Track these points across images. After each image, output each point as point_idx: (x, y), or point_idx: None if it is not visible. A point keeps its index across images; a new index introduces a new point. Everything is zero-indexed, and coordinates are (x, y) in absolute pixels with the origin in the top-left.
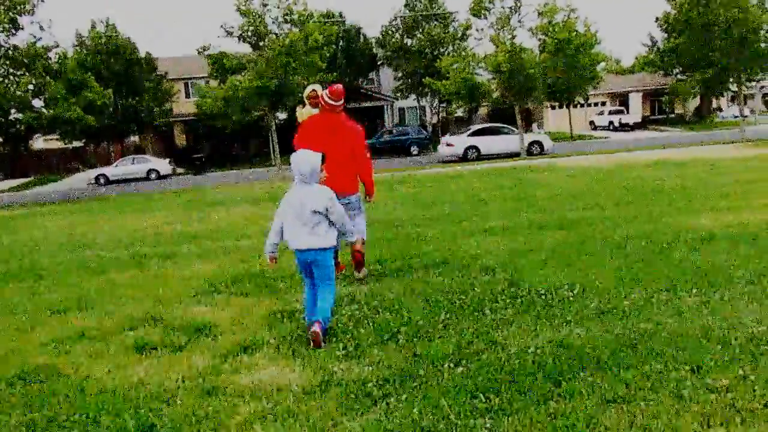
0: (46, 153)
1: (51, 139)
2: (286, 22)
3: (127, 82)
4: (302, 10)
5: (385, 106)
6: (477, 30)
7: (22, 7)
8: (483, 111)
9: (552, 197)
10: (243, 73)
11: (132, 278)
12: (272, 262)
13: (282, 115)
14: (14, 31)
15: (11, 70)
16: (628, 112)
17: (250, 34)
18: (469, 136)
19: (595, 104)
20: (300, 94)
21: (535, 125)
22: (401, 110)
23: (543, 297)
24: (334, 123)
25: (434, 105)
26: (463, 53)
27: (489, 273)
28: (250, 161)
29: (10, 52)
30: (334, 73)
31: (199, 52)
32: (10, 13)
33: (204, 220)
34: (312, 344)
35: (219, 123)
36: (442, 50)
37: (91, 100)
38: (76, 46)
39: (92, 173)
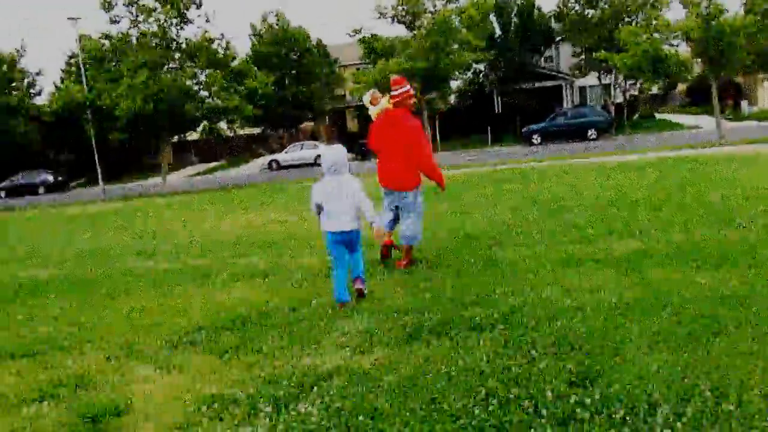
0: (236, 139)
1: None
2: None
3: (300, 70)
4: None
5: (564, 86)
6: None
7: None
8: (681, 88)
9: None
10: (394, 56)
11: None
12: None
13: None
14: (183, 25)
15: (188, 63)
16: None
17: (403, 13)
18: None
19: None
20: (452, 77)
21: (744, 103)
22: (582, 89)
23: None
24: (392, 120)
25: (619, 82)
26: (649, 21)
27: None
28: None
29: (182, 45)
30: (493, 51)
31: (350, 36)
32: (181, 4)
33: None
34: (357, 295)
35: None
36: (628, 21)
37: (253, 89)
38: (253, 35)
39: (267, 159)
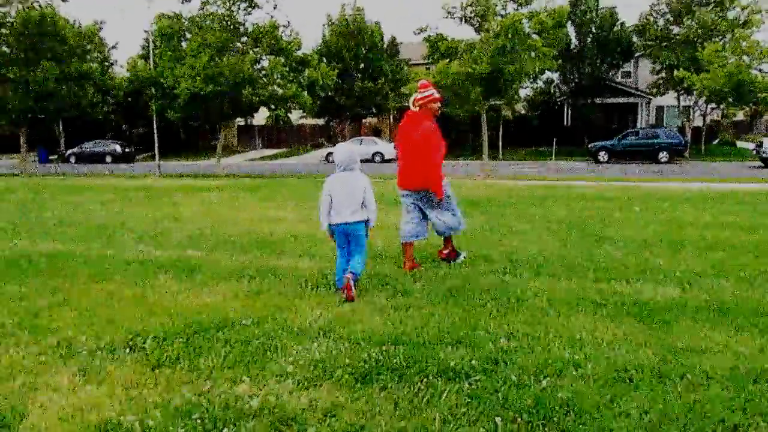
0: (300, 128)
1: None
2: (512, 1)
3: (368, 65)
4: None
5: (640, 104)
6: (765, 12)
7: None
8: None
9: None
10: (457, 57)
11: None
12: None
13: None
14: (250, 9)
15: (251, 48)
16: None
17: (471, 14)
18: None
19: None
20: (520, 85)
21: None
22: (659, 109)
23: None
24: (413, 122)
25: (700, 105)
26: (737, 42)
27: None
28: (472, 151)
29: (248, 30)
30: (566, 62)
31: (415, 34)
32: None
33: None
34: (344, 294)
35: (448, 110)
36: (715, 40)
37: (313, 80)
38: (328, 25)
39: (326, 151)
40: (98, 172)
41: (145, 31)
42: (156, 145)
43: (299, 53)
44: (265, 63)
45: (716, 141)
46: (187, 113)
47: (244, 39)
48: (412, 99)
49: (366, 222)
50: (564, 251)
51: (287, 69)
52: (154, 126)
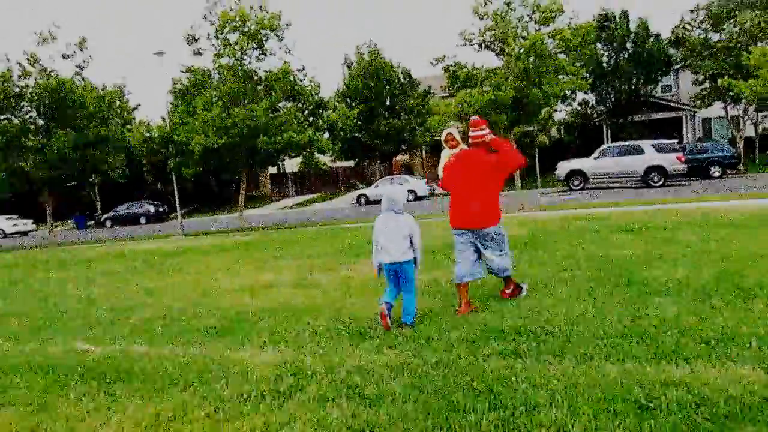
0: (333, 171)
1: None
2: (533, 21)
3: (392, 102)
4: (551, 4)
5: (684, 117)
6: None
7: (268, 32)
8: None
9: None
10: (479, 85)
11: None
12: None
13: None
14: (262, 56)
15: (265, 95)
16: None
17: (490, 39)
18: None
19: None
20: (553, 108)
21: None
22: (705, 121)
23: None
24: (472, 158)
25: (750, 113)
26: None
27: None
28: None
29: (261, 77)
30: (601, 83)
31: (432, 65)
32: (260, 35)
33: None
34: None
35: None
36: (760, 44)
37: (333, 122)
38: (346, 65)
39: (357, 193)
40: (121, 237)
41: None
42: (177, 202)
43: (317, 97)
44: (282, 109)
45: None
46: (204, 168)
47: (259, 87)
48: (447, 134)
49: (414, 261)
50: (595, 311)
51: (304, 113)
52: (174, 184)
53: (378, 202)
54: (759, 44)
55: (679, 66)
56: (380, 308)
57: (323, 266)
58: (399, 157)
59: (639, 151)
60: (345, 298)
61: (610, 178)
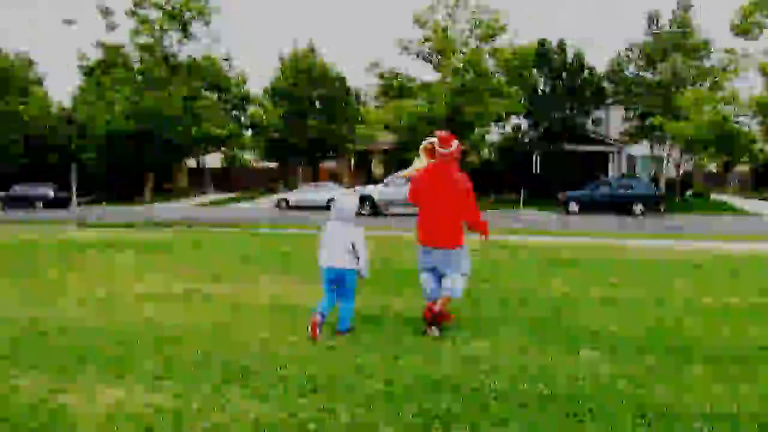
0: (256, 171)
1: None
2: (474, 36)
3: (324, 106)
4: (493, 21)
5: (612, 154)
6: (741, 57)
7: (194, 14)
8: (744, 167)
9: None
10: (413, 97)
11: None
12: None
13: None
14: (185, 40)
15: (185, 83)
16: None
17: (429, 50)
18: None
19: None
20: (484, 130)
21: None
22: (630, 158)
23: None
24: (440, 175)
25: (674, 155)
26: (716, 88)
27: None
28: None
29: (181, 63)
30: (535, 109)
31: (367, 70)
32: (184, 16)
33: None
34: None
35: (404, 155)
36: (690, 88)
37: (256, 119)
38: (280, 61)
39: (279, 196)
40: (15, 220)
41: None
42: (74, 188)
43: (242, 90)
44: (202, 99)
45: (689, 193)
46: (109, 153)
47: (178, 72)
48: (422, 146)
49: (355, 271)
50: (519, 368)
51: (226, 106)
52: (72, 168)
53: (300, 207)
54: (689, 87)
55: (611, 101)
56: (312, 318)
57: (221, 276)
58: (326, 164)
59: None
60: (236, 320)
61: (397, 205)
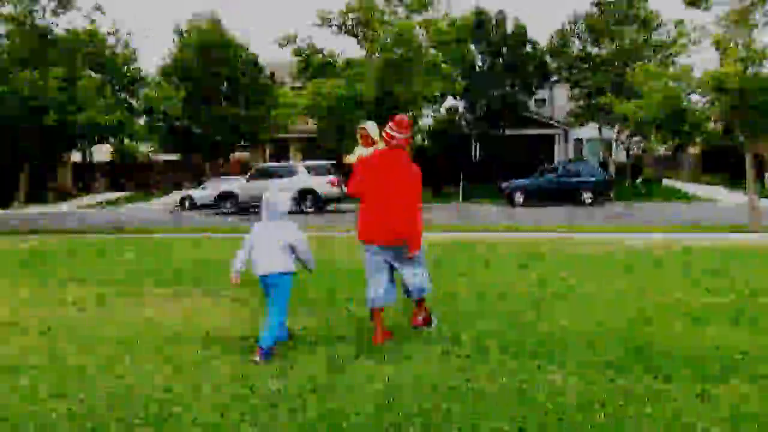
0: (155, 165)
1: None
2: (404, 6)
3: (233, 88)
4: None
5: (557, 136)
6: (692, 30)
7: None
8: (695, 150)
9: None
10: (336, 76)
11: None
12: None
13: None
14: (61, 12)
15: (63, 60)
16: None
17: (353, 22)
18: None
19: None
20: (416, 113)
21: None
22: (578, 142)
23: None
24: (392, 160)
25: (624, 138)
26: (669, 63)
27: None
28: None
29: (57, 37)
30: (473, 88)
31: (281, 46)
32: None
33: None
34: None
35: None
36: (641, 62)
37: (152, 103)
38: (178, 35)
39: (181, 195)
40: None
41: None
42: None
43: (132, 69)
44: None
45: (640, 179)
46: None
47: (54, 49)
48: (360, 128)
49: (290, 273)
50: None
51: (113, 89)
52: None
53: (206, 206)
54: (638, 63)
55: (555, 79)
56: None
57: (103, 297)
58: (237, 154)
59: (292, 172)
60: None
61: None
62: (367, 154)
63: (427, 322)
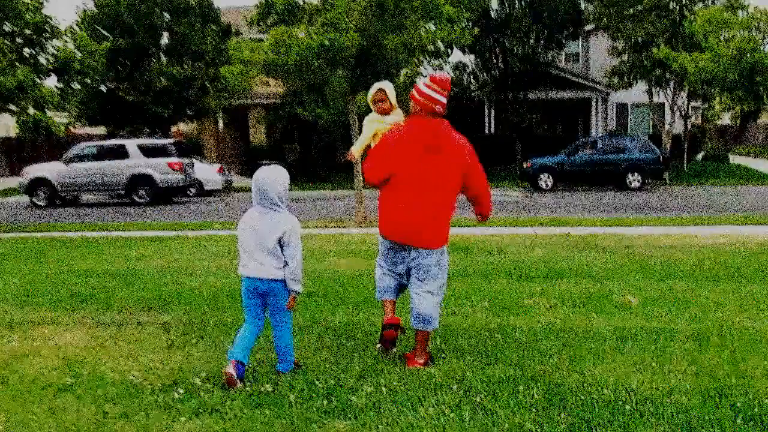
0: (74, 140)
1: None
2: None
3: (174, 42)
4: None
5: (594, 100)
6: None
7: None
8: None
9: None
10: (307, 22)
11: None
12: None
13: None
14: None
15: None
16: None
17: None
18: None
19: None
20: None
21: None
22: (621, 108)
23: None
24: (435, 134)
25: (681, 103)
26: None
27: None
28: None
29: None
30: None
31: None
32: None
33: None
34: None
35: (302, 111)
36: (701, 6)
37: (66, 60)
38: None
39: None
40: None
41: None
42: None
43: (38, 16)
44: None
45: (700, 155)
46: None
47: None
48: (377, 91)
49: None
50: None
51: (12, 42)
52: None
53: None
54: (699, 6)
55: (591, 28)
56: (227, 367)
57: None
58: (182, 126)
59: (122, 153)
60: None
61: (84, 190)
62: (391, 127)
63: (427, 365)
